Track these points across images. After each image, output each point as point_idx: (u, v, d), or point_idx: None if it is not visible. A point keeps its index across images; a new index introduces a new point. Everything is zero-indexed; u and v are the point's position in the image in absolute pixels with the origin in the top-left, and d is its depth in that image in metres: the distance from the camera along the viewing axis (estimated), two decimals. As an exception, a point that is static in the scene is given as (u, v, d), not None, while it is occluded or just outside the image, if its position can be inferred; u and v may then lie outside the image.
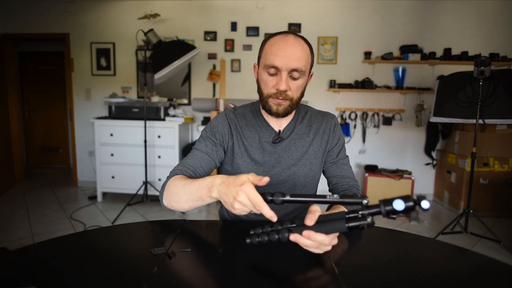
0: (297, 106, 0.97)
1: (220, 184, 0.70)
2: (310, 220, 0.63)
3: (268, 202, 0.64)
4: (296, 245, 0.65)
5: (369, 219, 0.59)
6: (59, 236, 0.77)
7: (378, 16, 3.64)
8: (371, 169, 3.54)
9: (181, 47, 3.01)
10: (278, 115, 0.94)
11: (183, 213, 3.16)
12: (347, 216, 0.61)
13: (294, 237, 0.63)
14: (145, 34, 3.01)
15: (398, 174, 3.41)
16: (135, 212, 3.13)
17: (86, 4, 3.84)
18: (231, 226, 0.94)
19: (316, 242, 0.62)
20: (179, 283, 0.60)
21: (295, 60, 0.87)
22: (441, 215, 3.26)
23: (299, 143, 1.02)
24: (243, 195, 0.64)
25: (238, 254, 0.71)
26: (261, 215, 1.02)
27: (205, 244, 0.76)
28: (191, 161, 0.96)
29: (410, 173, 3.47)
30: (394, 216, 3.07)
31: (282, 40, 0.89)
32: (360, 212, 0.60)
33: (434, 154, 3.74)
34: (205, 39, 3.79)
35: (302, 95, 0.96)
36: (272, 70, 0.89)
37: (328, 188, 1.08)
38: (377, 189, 3.44)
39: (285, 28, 3.70)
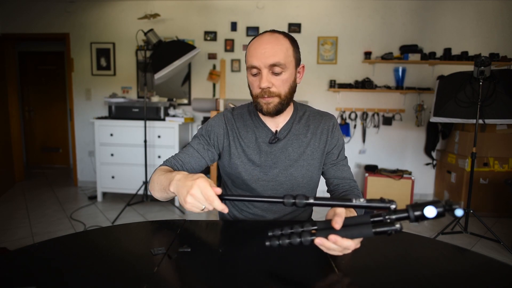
0: (289, 103, 0.96)
1: (178, 179, 0.73)
2: (338, 224, 0.60)
3: (300, 206, 0.62)
4: (295, 245, 0.65)
5: (397, 225, 0.56)
6: (59, 236, 0.77)
7: (378, 16, 3.64)
8: (371, 169, 3.54)
9: (181, 47, 3.01)
10: (270, 113, 0.94)
11: (183, 213, 3.16)
12: (372, 220, 0.59)
13: (320, 241, 0.60)
14: (145, 34, 3.01)
15: (398, 174, 3.41)
16: (135, 212, 3.13)
17: (86, 4, 3.84)
18: (231, 226, 0.94)
19: (342, 247, 0.61)
20: (179, 283, 0.60)
21: (271, 56, 0.87)
22: (441, 215, 3.26)
23: (296, 143, 1.01)
24: (196, 189, 0.66)
25: (238, 254, 0.71)
26: (261, 215, 1.03)
27: (205, 244, 0.76)
28: (182, 155, 1.00)
29: (410, 173, 3.47)
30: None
31: (257, 40, 0.90)
32: (387, 217, 0.57)
33: (434, 154, 3.74)
34: (205, 39, 3.79)
35: (291, 89, 0.94)
36: (254, 71, 0.90)
37: (327, 189, 1.08)
38: (377, 189, 3.44)
39: (285, 28, 3.71)
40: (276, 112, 0.94)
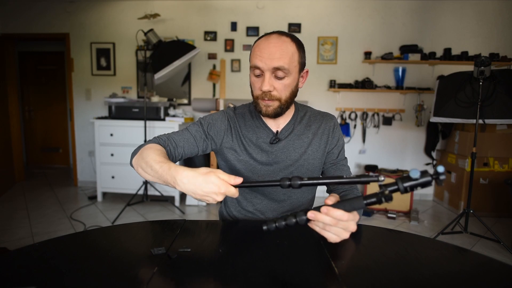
0: (289, 107, 0.96)
1: (187, 183, 0.71)
2: (329, 200, 0.65)
3: (295, 186, 0.66)
4: (295, 245, 0.65)
5: (386, 192, 0.59)
6: (59, 236, 0.78)
7: (378, 16, 3.64)
8: (371, 169, 3.54)
9: (181, 47, 3.01)
10: (268, 116, 0.94)
11: (183, 213, 3.16)
12: (364, 195, 0.62)
13: (313, 214, 0.63)
14: (145, 34, 3.01)
15: (398, 174, 3.41)
16: (135, 212, 3.13)
17: (86, 4, 3.84)
18: (231, 226, 0.94)
19: (334, 218, 0.62)
20: (179, 283, 0.60)
21: (276, 59, 0.86)
22: (441, 215, 3.26)
23: (297, 143, 1.01)
24: (221, 197, 0.70)
25: (238, 254, 0.71)
26: (260, 215, 1.04)
27: (205, 244, 0.76)
28: (177, 137, 0.98)
29: (410, 173, 3.47)
30: (394, 216, 3.07)
31: (264, 41, 0.89)
32: (378, 192, 0.60)
33: (434, 154, 3.74)
34: (205, 39, 3.79)
35: (293, 94, 0.94)
36: (257, 71, 0.90)
37: (326, 189, 1.08)
38: (377, 189, 3.42)
39: (285, 28, 3.70)
40: (275, 115, 0.94)
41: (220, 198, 0.70)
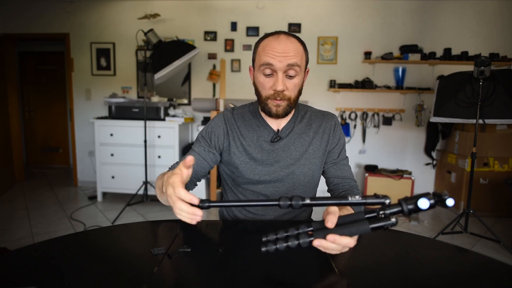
0: (295, 106, 0.97)
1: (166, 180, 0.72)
2: (331, 222, 0.60)
3: (296, 207, 0.62)
4: (294, 248, 0.65)
5: (393, 219, 0.57)
6: (59, 236, 0.77)
7: (378, 16, 3.64)
8: (371, 169, 3.54)
9: (181, 47, 3.01)
10: (278, 116, 0.94)
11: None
12: (366, 216, 0.60)
13: (318, 242, 0.60)
14: (145, 34, 3.01)
15: (398, 174, 3.41)
16: (135, 212, 3.13)
17: (86, 4, 3.84)
18: (231, 226, 0.94)
19: (341, 245, 0.61)
20: (179, 283, 0.60)
21: (290, 57, 0.87)
22: (441, 215, 3.26)
23: (298, 142, 1.01)
24: (170, 189, 0.66)
25: (238, 254, 0.71)
26: (261, 214, 1.03)
27: (205, 244, 0.76)
28: None
29: (410, 173, 3.47)
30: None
31: (274, 40, 0.89)
32: (381, 212, 0.58)
33: (434, 154, 3.74)
34: (205, 39, 3.79)
35: (299, 93, 0.96)
36: (268, 71, 0.90)
37: (327, 188, 1.08)
38: (377, 189, 3.44)
39: (285, 28, 3.70)
40: (284, 114, 0.95)
41: (177, 215, 0.65)
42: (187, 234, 0.81)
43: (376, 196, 0.60)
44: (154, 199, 3.41)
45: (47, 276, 0.60)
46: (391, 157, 3.80)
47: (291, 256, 0.70)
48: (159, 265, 0.64)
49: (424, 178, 3.79)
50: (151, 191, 3.27)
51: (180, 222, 0.89)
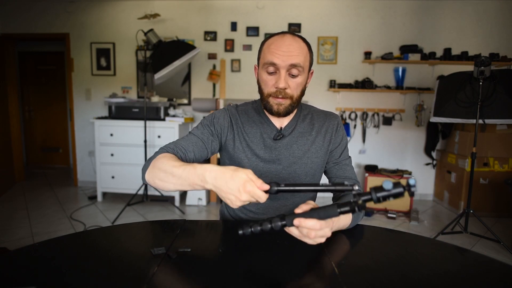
0: (297, 105, 0.98)
1: (215, 178, 0.69)
2: (301, 209, 0.65)
3: (272, 192, 0.67)
4: (295, 245, 0.65)
5: (360, 202, 0.60)
6: (59, 236, 0.78)
7: (378, 16, 3.64)
8: (371, 169, 3.54)
9: (181, 47, 3.01)
10: (279, 114, 0.95)
11: (183, 213, 3.16)
12: (339, 209, 0.62)
13: (286, 228, 0.65)
14: (145, 34, 3.01)
15: (398, 174, 3.41)
16: (135, 212, 3.13)
17: (86, 4, 3.84)
18: (231, 226, 0.94)
19: (307, 228, 0.62)
20: (179, 283, 0.60)
21: (293, 56, 0.88)
22: (441, 215, 3.26)
23: (301, 141, 1.02)
24: (246, 196, 0.65)
25: (238, 254, 0.71)
26: (262, 213, 1.04)
27: (205, 244, 0.76)
28: (184, 143, 0.94)
29: (410, 173, 3.47)
30: (394, 216, 3.07)
31: (279, 39, 0.90)
32: (352, 200, 0.61)
33: (434, 154, 3.74)
34: (205, 39, 3.79)
35: (302, 93, 0.97)
36: (271, 69, 0.90)
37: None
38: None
39: (285, 28, 3.70)
40: (286, 113, 0.95)
41: (243, 198, 0.65)
42: (187, 234, 0.81)
43: (344, 184, 0.64)
44: (154, 199, 3.41)
45: (47, 276, 0.60)
46: (391, 157, 3.80)
47: (291, 256, 0.70)
48: (159, 265, 0.64)
49: (424, 178, 3.79)
50: (151, 191, 3.26)
51: (180, 222, 0.89)
